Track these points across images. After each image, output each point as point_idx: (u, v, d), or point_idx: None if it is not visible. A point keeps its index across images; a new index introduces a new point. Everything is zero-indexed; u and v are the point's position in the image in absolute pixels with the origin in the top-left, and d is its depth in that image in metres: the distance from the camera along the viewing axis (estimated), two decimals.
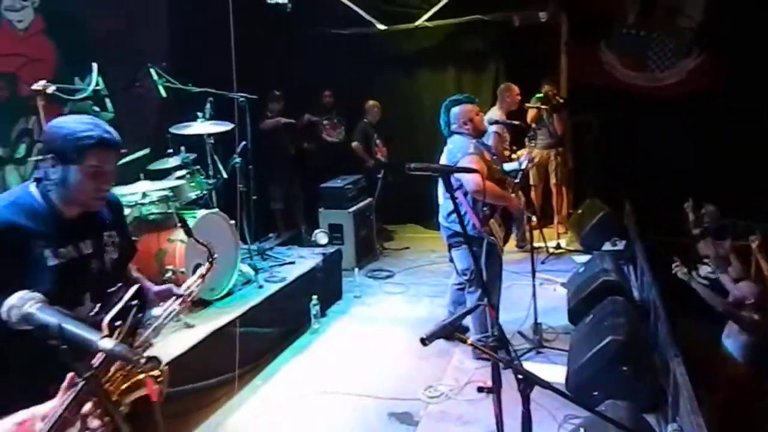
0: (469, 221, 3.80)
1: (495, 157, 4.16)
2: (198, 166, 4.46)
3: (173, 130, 4.40)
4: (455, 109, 3.95)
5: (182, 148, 4.42)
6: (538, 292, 4.27)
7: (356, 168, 6.74)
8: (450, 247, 4.12)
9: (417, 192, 7.26)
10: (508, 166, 4.44)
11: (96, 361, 1.09)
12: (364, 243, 6.33)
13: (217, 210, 4.33)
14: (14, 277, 1.55)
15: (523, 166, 4.42)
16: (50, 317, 1.03)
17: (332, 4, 6.97)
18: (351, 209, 6.16)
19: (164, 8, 5.66)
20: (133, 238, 3.73)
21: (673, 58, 6.71)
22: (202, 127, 4.46)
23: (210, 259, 2.22)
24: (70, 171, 1.71)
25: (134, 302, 1.42)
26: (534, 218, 5.08)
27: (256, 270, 4.61)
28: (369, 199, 6.53)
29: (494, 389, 2.14)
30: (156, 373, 1.81)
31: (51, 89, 3.16)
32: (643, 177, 6.27)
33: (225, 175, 4.65)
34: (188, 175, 4.32)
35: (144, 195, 3.94)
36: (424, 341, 1.86)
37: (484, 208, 3.78)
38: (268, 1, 4.83)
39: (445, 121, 3.98)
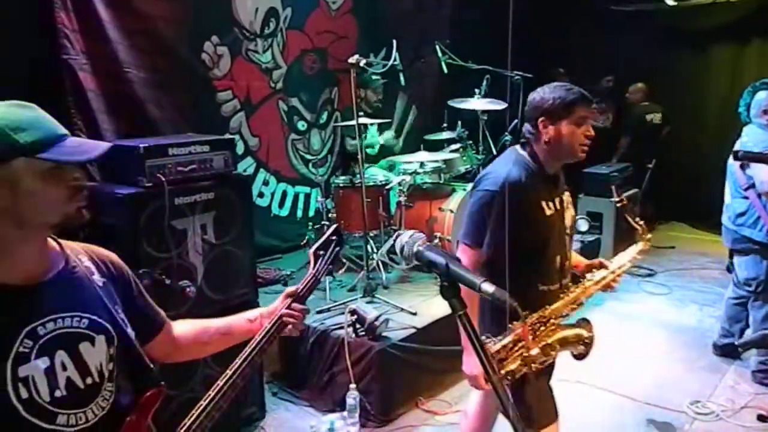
0: (762, 226, 3.35)
1: None
2: (470, 141, 4.62)
3: (452, 103, 4.60)
4: (762, 94, 3.42)
5: (458, 123, 4.62)
6: None
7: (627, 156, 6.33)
8: (734, 252, 3.66)
9: (689, 187, 6.55)
10: None
11: None
12: (625, 236, 5.90)
13: None
14: (522, 227, 1.87)
15: None
16: (438, 256, 1.15)
17: None
18: (614, 198, 5.79)
19: None
20: (409, 204, 4.10)
21: None
22: (477, 103, 4.59)
23: (644, 236, 2.38)
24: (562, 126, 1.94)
25: (334, 238, 1.55)
26: None
27: None
28: (635, 190, 6.07)
29: None
30: (586, 334, 2.00)
31: (362, 63, 3.54)
32: None
33: (495, 152, 4.74)
34: (461, 149, 4.51)
35: (421, 164, 4.22)
36: (738, 348, 1.69)
37: None
38: None
39: (746, 104, 3.49)
